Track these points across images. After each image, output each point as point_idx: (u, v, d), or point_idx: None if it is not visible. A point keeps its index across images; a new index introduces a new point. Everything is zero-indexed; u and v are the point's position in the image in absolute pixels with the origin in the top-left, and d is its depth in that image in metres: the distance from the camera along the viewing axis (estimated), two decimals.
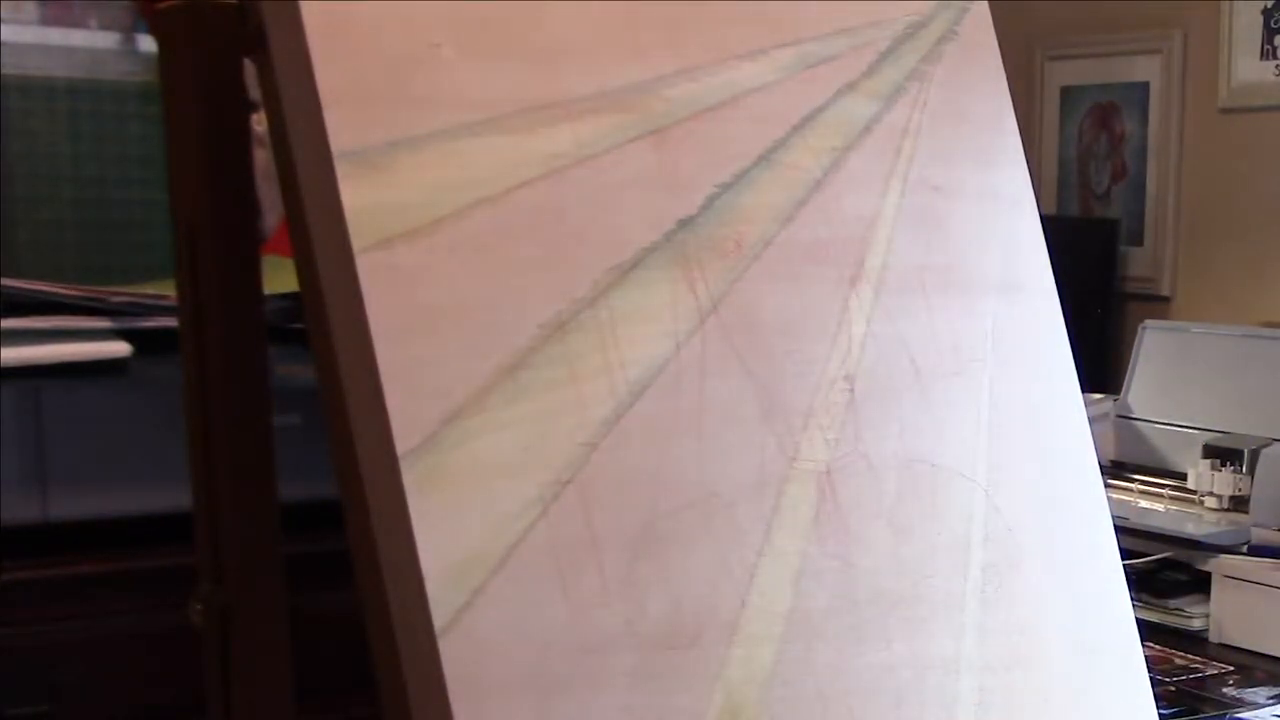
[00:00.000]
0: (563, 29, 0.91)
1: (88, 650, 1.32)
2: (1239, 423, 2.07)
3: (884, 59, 1.04)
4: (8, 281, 1.38)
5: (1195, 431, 2.09)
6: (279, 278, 1.08)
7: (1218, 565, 1.86)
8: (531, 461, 0.84)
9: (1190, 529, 1.94)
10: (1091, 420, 1.11)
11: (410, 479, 0.80)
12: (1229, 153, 2.57)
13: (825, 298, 0.97)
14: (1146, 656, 1.09)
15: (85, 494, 1.34)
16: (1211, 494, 2.01)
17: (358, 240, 0.81)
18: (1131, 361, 2.29)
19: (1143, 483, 2.12)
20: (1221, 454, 2.02)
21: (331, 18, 0.83)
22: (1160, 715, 1.08)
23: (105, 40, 2.45)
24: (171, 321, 1.07)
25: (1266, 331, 2.22)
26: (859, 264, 0.99)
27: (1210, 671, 1.74)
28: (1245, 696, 1.65)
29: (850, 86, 1.02)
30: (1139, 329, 2.30)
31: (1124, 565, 1.10)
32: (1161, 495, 2.08)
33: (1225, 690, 1.67)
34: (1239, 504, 1.98)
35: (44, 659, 1.30)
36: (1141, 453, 2.19)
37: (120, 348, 1.35)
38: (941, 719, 0.96)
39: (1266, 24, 2.48)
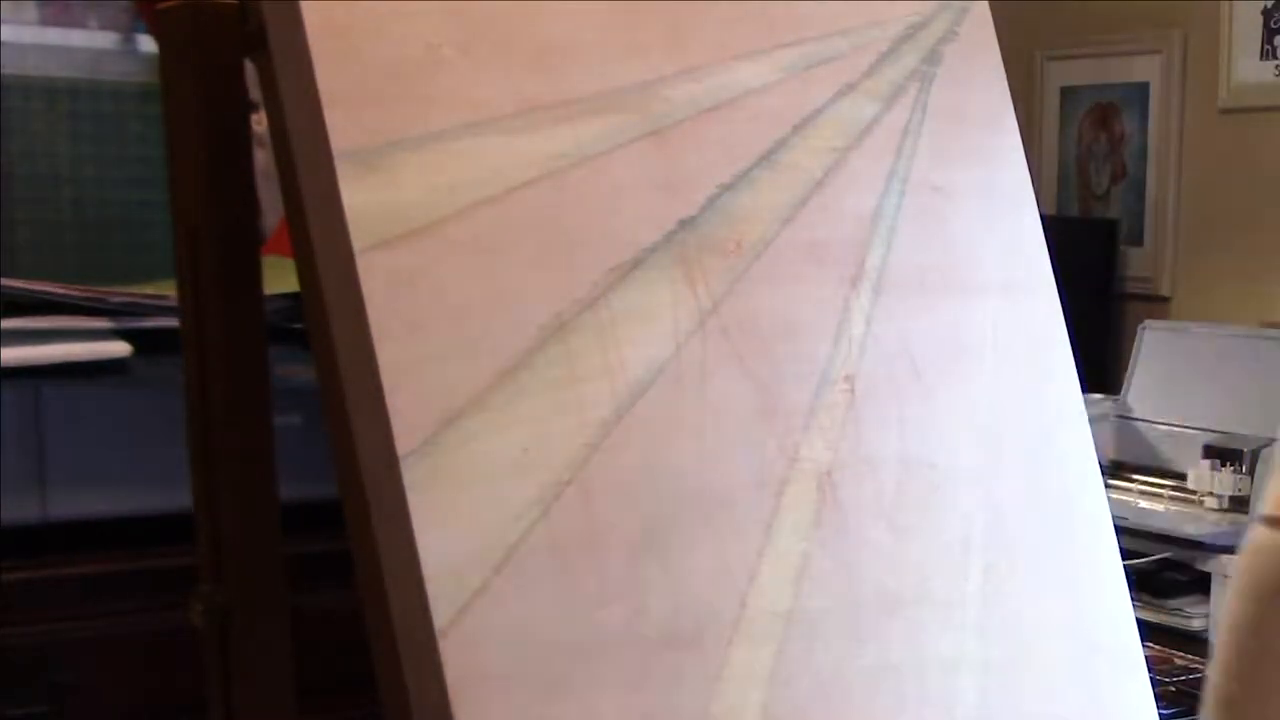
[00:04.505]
0: (563, 29, 0.90)
1: (88, 650, 1.32)
2: (1239, 423, 2.07)
3: (884, 59, 1.04)
4: (8, 281, 1.38)
5: (1195, 431, 2.09)
6: (279, 278, 1.08)
7: (1218, 565, 1.86)
8: (532, 462, 0.84)
9: (1190, 529, 1.94)
10: (1091, 420, 1.11)
11: (410, 479, 0.80)
12: (1229, 153, 2.56)
13: (825, 298, 0.97)
14: (1146, 656, 1.09)
15: (85, 494, 1.34)
16: (1211, 494, 2.01)
17: (358, 240, 0.81)
18: (1131, 361, 2.29)
19: (1143, 483, 2.12)
20: (1221, 454, 2.02)
21: (331, 18, 0.83)
22: (1160, 715, 1.08)
23: (105, 40, 2.45)
24: (171, 321, 1.07)
25: (1266, 331, 2.22)
26: (859, 264, 0.99)
27: None
28: None
29: (850, 87, 1.02)
30: (1139, 329, 2.30)
31: (1124, 565, 1.10)
32: (1161, 495, 2.08)
33: None
34: (1239, 504, 1.98)
35: (44, 659, 1.30)
36: (1141, 453, 2.19)
37: (120, 348, 1.35)
38: (941, 719, 0.96)
39: (1266, 24, 2.48)
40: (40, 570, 1.32)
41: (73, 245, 2.42)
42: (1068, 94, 2.85)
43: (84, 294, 1.39)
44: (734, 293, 0.93)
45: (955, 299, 1.04)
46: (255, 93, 0.94)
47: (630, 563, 0.86)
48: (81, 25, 2.43)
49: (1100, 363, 2.59)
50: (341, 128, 0.82)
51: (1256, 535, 0.79)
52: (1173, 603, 1.89)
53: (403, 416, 0.80)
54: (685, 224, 0.92)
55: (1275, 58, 2.47)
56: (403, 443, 0.80)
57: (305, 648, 1.00)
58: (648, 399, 0.88)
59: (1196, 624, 1.86)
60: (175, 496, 1.11)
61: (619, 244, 0.90)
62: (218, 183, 0.95)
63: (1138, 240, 2.72)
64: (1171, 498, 2.07)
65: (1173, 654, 1.79)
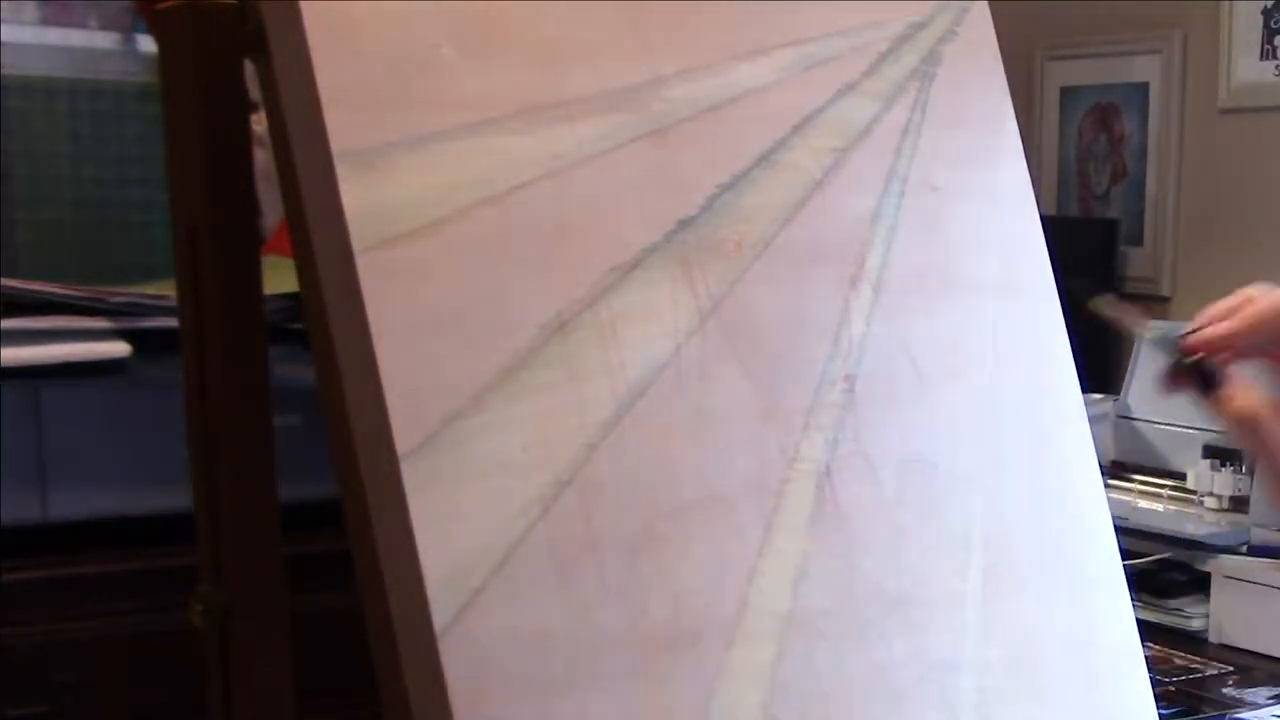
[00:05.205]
0: (563, 29, 0.91)
1: (88, 650, 1.32)
2: None
3: (884, 59, 1.04)
4: (8, 281, 1.38)
5: (1195, 431, 2.09)
6: (279, 278, 1.08)
7: (1217, 565, 1.87)
8: (532, 462, 0.84)
9: (1190, 529, 1.94)
10: (1091, 420, 1.11)
11: (410, 479, 0.80)
12: (1229, 153, 2.56)
13: (825, 298, 0.97)
14: (1146, 656, 1.09)
15: (85, 494, 1.34)
16: (1211, 494, 2.01)
17: (358, 240, 0.81)
18: (1131, 361, 2.29)
19: (1142, 483, 2.12)
20: (1221, 454, 2.02)
21: (331, 18, 0.83)
22: (1160, 715, 1.08)
23: (105, 40, 2.45)
24: (171, 321, 1.07)
25: None
26: (859, 264, 0.99)
27: (1210, 671, 1.74)
28: (1245, 696, 1.65)
29: (850, 87, 1.02)
30: None
31: (1124, 565, 1.10)
32: (1161, 495, 2.08)
33: (1225, 690, 1.67)
34: (1239, 504, 1.99)
35: (44, 659, 1.30)
36: (1141, 453, 2.19)
37: (120, 348, 1.35)
38: (941, 719, 0.96)
39: (1266, 24, 2.48)
40: (40, 570, 1.32)
41: (73, 245, 2.42)
42: (1068, 94, 2.85)
43: (84, 294, 1.39)
44: (734, 293, 0.93)
45: (955, 299, 1.04)
46: (255, 93, 0.94)
47: (630, 563, 0.86)
48: (81, 25, 2.43)
49: (1100, 363, 2.59)
50: (341, 128, 0.82)
51: None
52: (1173, 603, 1.89)
53: (402, 416, 0.80)
54: (685, 224, 0.92)
55: (1275, 58, 2.47)
56: (403, 443, 0.80)
57: (305, 648, 1.00)
58: (648, 399, 0.88)
59: (1196, 624, 1.86)
60: (175, 496, 1.11)
61: (619, 244, 0.90)
62: (218, 183, 0.95)
63: (1138, 240, 2.72)
64: (1171, 498, 2.07)
65: (1173, 654, 1.79)
